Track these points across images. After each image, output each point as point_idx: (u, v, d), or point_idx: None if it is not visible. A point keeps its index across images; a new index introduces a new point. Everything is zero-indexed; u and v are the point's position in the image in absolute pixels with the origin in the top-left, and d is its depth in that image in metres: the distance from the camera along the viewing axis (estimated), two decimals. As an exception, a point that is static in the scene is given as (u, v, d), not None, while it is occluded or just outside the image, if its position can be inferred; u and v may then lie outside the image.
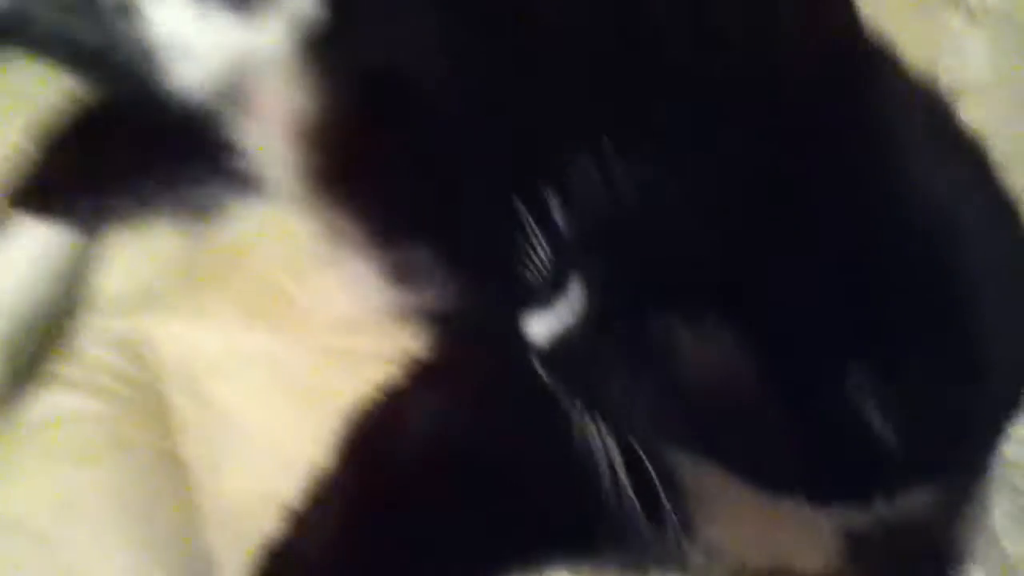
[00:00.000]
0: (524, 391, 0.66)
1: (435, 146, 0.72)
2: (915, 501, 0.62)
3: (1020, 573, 0.77)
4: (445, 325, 0.78)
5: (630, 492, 0.61)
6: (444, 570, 0.69)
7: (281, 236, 0.84)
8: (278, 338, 0.84)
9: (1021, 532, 0.79)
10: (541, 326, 0.59)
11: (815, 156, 0.54)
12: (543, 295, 0.60)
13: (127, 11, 0.74)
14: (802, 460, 0.54)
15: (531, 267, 0.64)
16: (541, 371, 0.61)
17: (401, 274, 0.77)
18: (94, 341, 0.84)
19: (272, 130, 0.76)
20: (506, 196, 0.67)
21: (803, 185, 0.53)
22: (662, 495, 0.62)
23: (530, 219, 0.64)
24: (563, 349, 0.59)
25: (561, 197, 0.64)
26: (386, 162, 0.74)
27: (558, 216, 0.64)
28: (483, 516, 0.69)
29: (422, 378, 0.77)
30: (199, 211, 0.84)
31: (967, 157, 0.61)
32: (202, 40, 0.75)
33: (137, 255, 0.87)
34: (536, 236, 0.64)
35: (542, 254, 0.64)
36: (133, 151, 0.83)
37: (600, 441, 0.60)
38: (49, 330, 0.83)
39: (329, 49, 0.76)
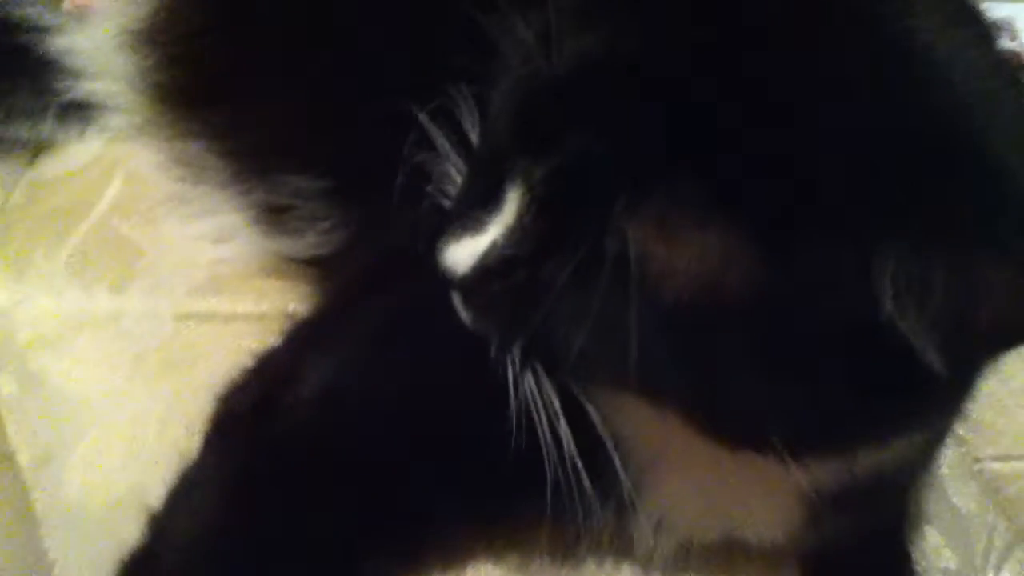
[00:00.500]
0: (434, 339, 0.57)
1: (317, 52, 0.60)
2: (896, 449, 0.55)
3: (973, 528, 0.71)
4: (328, 273, 0.67)
5: (573, 451, 0.51)
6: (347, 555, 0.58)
7: (123, 175, 0.71)
8: (123, 301, 0.71)
9: (968, 486, 0.73)
10: (463, 253, 0.48)
11: None
12: (464, 217, 0.49)
13: None
14: (801, 390, 0.45)
15: (443, 187, 0.53)
16: (463, 311, 0.50)
17: (275, 218, 0.66)
18: None
19: (103, 30, 0.62)
20: (403, 110, 0.56)
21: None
22: (613, 453, 0.52)
23: (440, 132, 0.53)
24: (492, 280, 0.48)
25: (474, 102, 0.53)
26: (255, 74, 0.61)
27: (471, 124, 0.53)
28: (389, 487, 0.58)
29: (304, 337, 0.65)
30: (17, 146, 0.69)
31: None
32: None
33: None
34: (449, 151, 0.52)
35: (454, 170, 0.52)
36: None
37: (537, 391, 0.50)
38: None
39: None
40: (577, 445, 0.53)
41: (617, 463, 0.54)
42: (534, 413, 0.51)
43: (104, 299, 0.70)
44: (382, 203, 0.61)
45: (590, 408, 0.52)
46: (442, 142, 0.53)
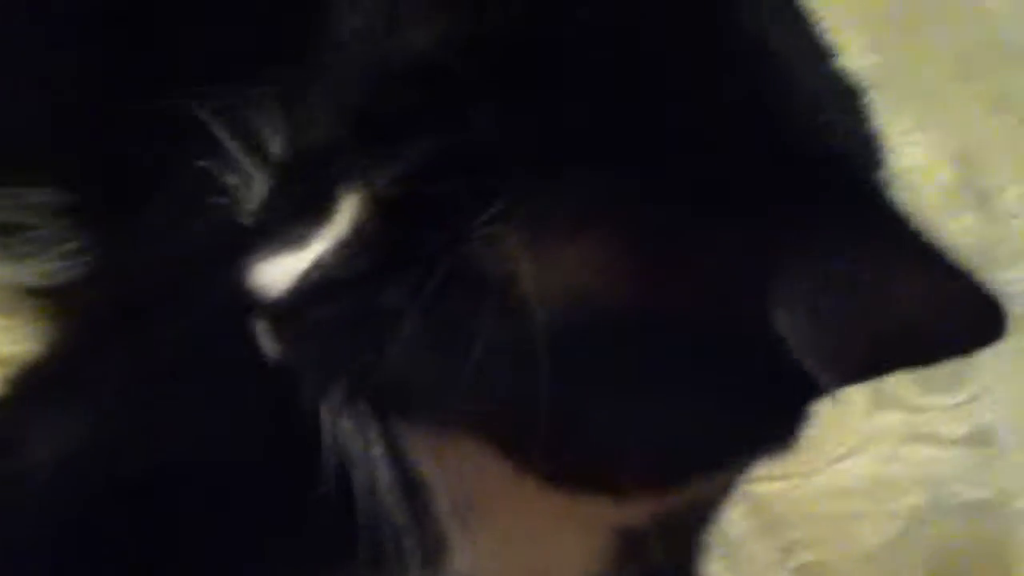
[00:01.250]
0: (207, 384, 0.49)
1: (59, 34, 0.51)
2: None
3: (744, 551, 0.73)
4: (66, 306, 0.56)
5: (393, 501, 0.45)
6: None
7: None
8: None
9: (736, 509, 0.75)
10: (277, 273, 0.40)
11: None
12: (276, 231, 0.41)
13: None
14: (669, 414, 0.41)
15: (231, 201, 0.45)
16: (270, 342, 0.42)
17: (2, 239, 0.54)
18: None
19: None
20: (174, 111, 0.47)
21: None
22: (435, 500, 0.47)
23: (227, 136, 0.45)
24: (313, 305, 0.40)
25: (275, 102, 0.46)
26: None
27: (271, 128, 0.45)
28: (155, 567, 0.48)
29: (34, 387, 0.53)
30: None
31: None
32: None
33: None
34: (241, 157, 0.45)
35: (248, 180, 0.45)
36: None
37: (358, 436, 0.43)
38: None
39: None
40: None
41: (432, 512, 0.49)
42: (348, 462, 0.45)
43: None
44: (141, 221, 0.52)
45: (409, 454, 0.46)
46: (231, 147, 0.45)
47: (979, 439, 0.84)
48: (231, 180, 0.46)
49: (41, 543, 0.48)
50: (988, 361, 0.86)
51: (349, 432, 0.43)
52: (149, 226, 0.51)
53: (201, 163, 0.47)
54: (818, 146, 0.39)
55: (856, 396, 0.80)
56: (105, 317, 0.54)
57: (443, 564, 0.51)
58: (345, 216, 0.39)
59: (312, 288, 0.40)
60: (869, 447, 0.79)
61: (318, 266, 0.40)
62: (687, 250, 0.38)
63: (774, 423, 0.43)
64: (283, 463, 0.47)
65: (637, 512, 0.49)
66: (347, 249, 0.39)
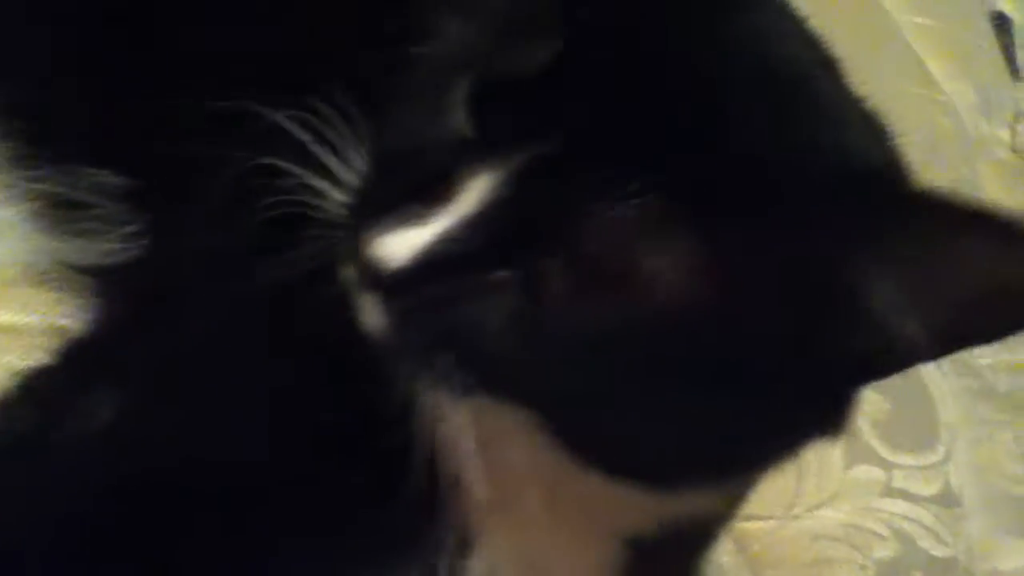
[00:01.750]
0: (263, 369, 0.51)
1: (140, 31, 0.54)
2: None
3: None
4: (119, 285, 0.58)
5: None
6: None
7: None
8: None
9: (724, 542, 0.77)
10: (399, 245, 0.41)
11: None
12: (394, 210, 0.42)
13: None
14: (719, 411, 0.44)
15: (303, 195, 0.48)
16: (377, 316, 0.44)
17: (66, 215, 0.56)
18: None
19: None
20: (245, 109, 0.50)
21: None
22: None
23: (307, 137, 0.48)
24: (428, 279, 0.42)
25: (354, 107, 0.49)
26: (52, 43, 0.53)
27: (344, 130, 0.48)
28: (199, 550, 0.50)
29: (80, 363, 0.55)
30: None
31: None
32: None
33: None
34: (323, 154, 0.48)
35: (326, 175, 0.48)
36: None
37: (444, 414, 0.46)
38: None
39: None
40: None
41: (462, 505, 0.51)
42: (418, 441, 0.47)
43: None
44: (197, 209, 0.54)
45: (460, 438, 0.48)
46: (314, 147, 0.48)
47: (948, 499, 0.87)
48: (300, 173, 0.48)
49: (61, 523, 0.49)
50: (957, 427, 0.92)
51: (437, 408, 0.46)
52: (204, 215, 0.54)
53: (269, 159, 0.49)
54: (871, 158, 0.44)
55: (834, 450, 0.84)
56: (152, 301, 0.56)
57: (465, 560, 0.54)
58: (470, 196, 0.42)
59: (431, 263, 0.42)
60: (847, 497, 0.82)
61: (440, 242, 0.42)
62: (765, 249, 0.41)
63: (825, 409, 0.47)
64: (326, 458, 0.49)
65: (662, 513, 0.52)
66: (469, 228, 0.42)
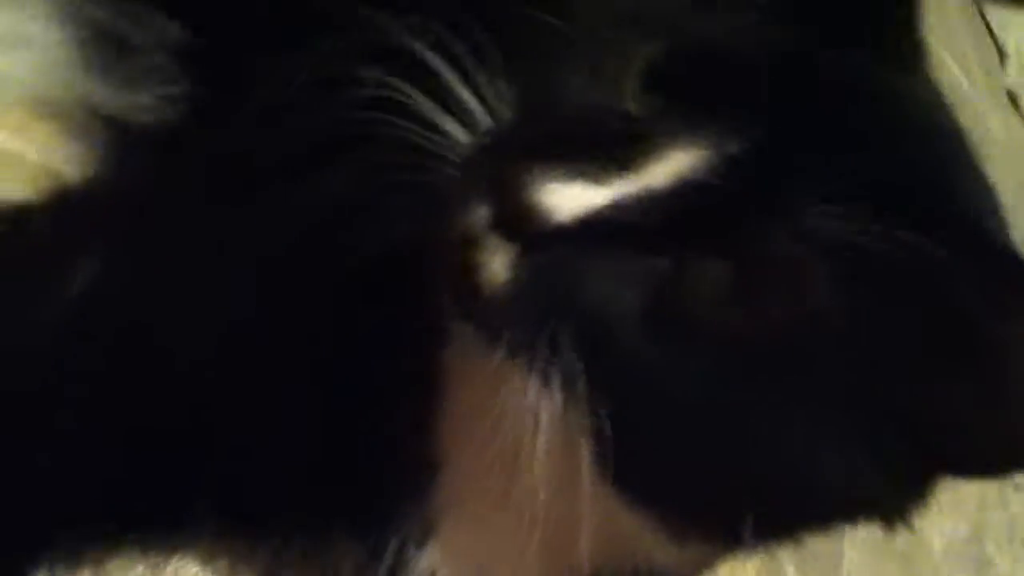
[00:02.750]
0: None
1: None
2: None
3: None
4: (140, 145, 0.52)
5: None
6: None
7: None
8: None
9: None
10: (570, 197, 0.37)
11: None
12: (575, 160, 0.38)
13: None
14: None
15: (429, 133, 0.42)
16: (504, 268, 0.38)
17: (110, 53, 0.51)
18: None
19: None
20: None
21: None
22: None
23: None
24: (583, 243, 0.38)
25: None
26: None
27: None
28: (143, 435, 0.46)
29: (76, 213, 0.50)
30: None
31: None
32: None
33: None
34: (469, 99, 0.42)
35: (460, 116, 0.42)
36: None
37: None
38: None
39: None
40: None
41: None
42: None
43: None
44: (264, 96, 0.49)
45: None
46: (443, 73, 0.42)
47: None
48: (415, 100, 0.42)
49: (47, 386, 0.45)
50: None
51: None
52: (264, 104, 0.49)
53: (379, 75, 0.43)
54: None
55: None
56: (172, 172, 0.51)
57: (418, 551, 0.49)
58: (663, 170, 0.38)
59: (594, 227, 0.37)
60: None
61: (613, 208, 0.38)
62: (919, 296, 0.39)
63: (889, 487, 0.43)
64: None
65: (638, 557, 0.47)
66: (650, 204, 0.38)
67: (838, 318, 0.38)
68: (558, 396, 0.39)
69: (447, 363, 0.44)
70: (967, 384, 0.40)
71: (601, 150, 0.38)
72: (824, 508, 0.43)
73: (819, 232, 0.38)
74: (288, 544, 0.49)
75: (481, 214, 0.38)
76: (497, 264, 0.38)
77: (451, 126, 0.41)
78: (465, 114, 0.42)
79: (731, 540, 0.43)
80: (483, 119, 0.42)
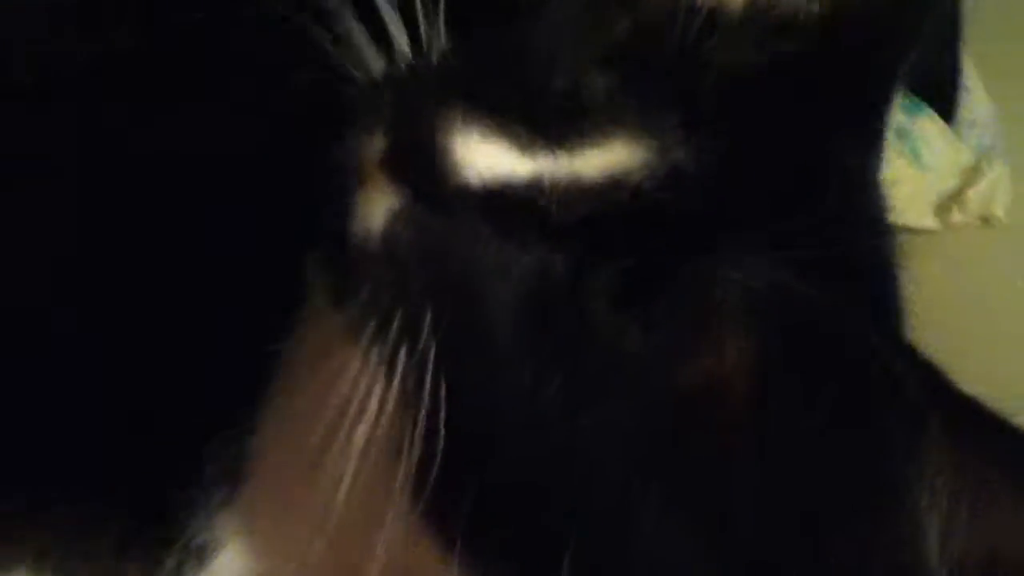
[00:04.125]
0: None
1: None
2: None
3: None
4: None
5: None
6: None
7: None
8: None
9: None
10: (492, 160, 0.32)
11: None
12: (507, 120, 0.34)
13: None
14: None
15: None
16: (379, 213, 0.33)
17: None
18: None
19: None
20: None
21: None
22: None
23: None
24: (490, 212, 0.33)
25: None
26: None
27: None
28: None
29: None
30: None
31: None
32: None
33: None
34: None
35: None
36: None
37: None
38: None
39: None
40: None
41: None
42: None
43: None
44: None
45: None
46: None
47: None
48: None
49: None
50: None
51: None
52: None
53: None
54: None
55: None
56: None
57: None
58: (602, 159, 0.33)
59: (505, 198, 0.33)
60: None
61: (534, 186, 0.33)
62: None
63: None
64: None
65: None
66: (571, 191, 0.33)
67: (732, 376, 0.34)
68: (395, 387, 0.33)
69: (293, 321, 0.38)
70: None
71: (536, 117, 0.34)
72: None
73: (738, 280, 0.34)
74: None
75: (375, 146, 0.33)
76: (376, 208, 0.33)
77: (370, 53, 0.37)
78: (391, 48, 0.37)
79: None
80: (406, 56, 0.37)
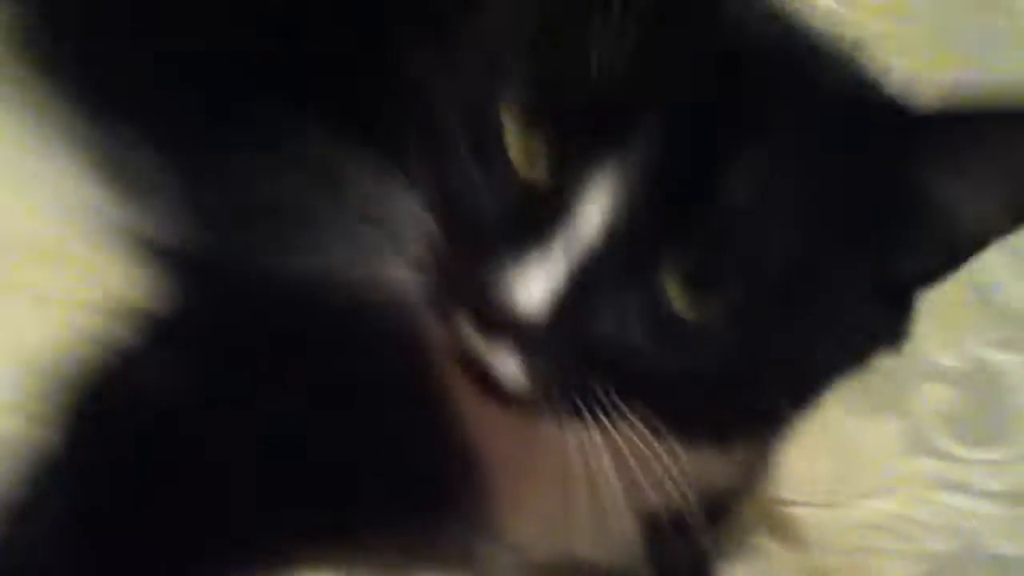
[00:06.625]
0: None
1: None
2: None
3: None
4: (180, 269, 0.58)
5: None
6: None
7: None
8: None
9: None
10: (535, 286, 0.39)
11: None
12: (510, 245, 0.40)
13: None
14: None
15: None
16: (512, 365, 0.41)
17: (120, 174, 0.58)
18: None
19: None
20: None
21: None
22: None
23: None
24: (567, 316, 0.40)
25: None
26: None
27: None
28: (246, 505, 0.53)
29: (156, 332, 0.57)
30: None
31: None
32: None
33: None
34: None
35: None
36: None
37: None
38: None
39: None
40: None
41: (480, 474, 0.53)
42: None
43: None
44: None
45: None
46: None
47: (1017, 498, 0.84)
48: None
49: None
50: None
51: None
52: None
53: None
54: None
55: (891, 439, 0.83)
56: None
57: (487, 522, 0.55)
58: (591, 212, 0.40)
59: (569, 296, 0.39)
60: (899, 488, 0.80)
61: (574, 272, 0.40)
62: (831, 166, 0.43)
63: (890, 315, 0.47)
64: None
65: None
66: (601, 246, 0.40)
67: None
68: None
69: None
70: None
71: (530, 222, 0.41)
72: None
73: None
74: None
75: (465, 323, 0.42)
76: (504, 362, 0.41)
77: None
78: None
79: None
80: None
